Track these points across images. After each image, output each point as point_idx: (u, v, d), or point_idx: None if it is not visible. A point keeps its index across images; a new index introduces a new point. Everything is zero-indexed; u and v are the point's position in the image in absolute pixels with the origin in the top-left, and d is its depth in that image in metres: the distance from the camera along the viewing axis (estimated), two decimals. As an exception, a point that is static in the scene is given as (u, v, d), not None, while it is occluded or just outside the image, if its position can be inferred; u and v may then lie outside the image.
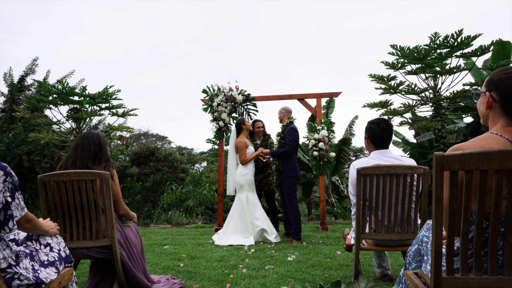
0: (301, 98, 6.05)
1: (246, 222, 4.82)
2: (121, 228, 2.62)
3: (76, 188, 2.34)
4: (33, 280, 1.56)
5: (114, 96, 6.26)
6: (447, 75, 4.95)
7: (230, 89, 6.02)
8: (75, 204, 2.37)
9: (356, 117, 10.52)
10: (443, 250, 1.33)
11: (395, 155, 2.69)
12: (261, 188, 5.31)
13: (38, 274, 1.62)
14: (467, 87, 4.99)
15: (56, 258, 1.83)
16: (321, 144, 5.49)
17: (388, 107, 5.26)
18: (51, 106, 6.23)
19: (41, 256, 1.74)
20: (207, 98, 6.16)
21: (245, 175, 5.00)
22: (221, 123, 6.00)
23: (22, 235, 1.79)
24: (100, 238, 2.44)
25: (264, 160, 5.21)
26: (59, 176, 2.33)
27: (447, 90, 5.03)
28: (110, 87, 6.14)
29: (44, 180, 2.36)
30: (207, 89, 6.16)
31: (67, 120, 6.30)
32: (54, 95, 6.14)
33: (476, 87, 4.79)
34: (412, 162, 2.59)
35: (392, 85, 5.06)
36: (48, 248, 1.83)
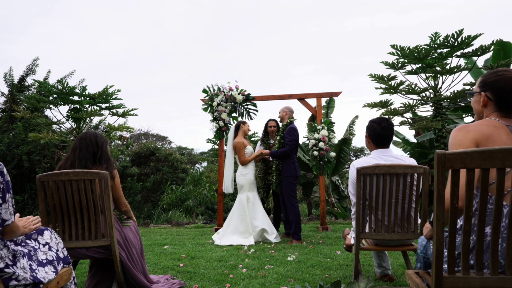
0: (301, 98, 6.04)
1: (246, 222, 4.81)
2: (120, 228, 2.61)
3: (75, 188, 2.33)
4: (30, 280, 1.55)
5: (114, 96, 6.25)
6: (448, 75, 4.94)
7: (230, 89, 6.01)
8: (74, 204, 2.37)
9: (357, 117, 10.49)
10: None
11: (395, 154, 2.68)
12: (269, 187, 5.30)
13: (36, 274, 1.60)
14: (467, 87, 4.98)
15: (54, 258, 1.81)
16: (321, 144, 5.48)
17: (389, 107, 5.26)
18: (51, 106, 6.23)
19: (39, 255, 1.73)
20: (207, 98, 6.16)
21: (245, 175, 4.99)
22: (221, 123, 6.00)
23: None
24: (99, 238, 2.43)
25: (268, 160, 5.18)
26: (57, 176, 2.32)
27: (447, 90, 5.02)
28: (110, 87, 6.14)
29: (43, 180, 2.35)
30: (207, 89, 6.15)
31: (67, 120, 6.30)
32: (54, 95, 6.14)
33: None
34: (412, 162, 2.58)
35: (392, 85, 5.06)
36: (47, 247, 1.81)
